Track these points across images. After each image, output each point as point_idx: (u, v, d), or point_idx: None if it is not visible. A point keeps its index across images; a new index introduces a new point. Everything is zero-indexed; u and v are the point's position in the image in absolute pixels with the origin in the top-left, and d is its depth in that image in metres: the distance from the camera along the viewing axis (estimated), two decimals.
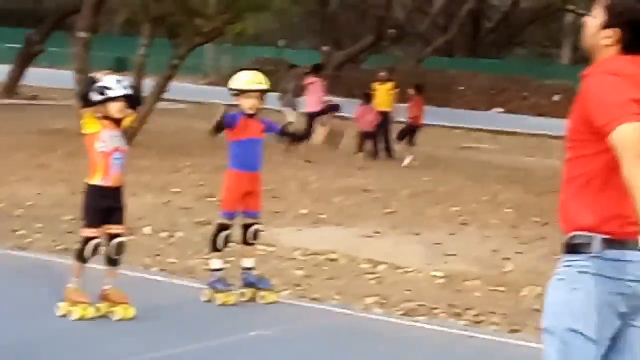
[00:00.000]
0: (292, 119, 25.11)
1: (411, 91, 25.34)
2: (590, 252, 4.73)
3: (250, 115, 9.68)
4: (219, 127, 9.94)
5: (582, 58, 5.15)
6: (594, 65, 4.88)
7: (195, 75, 53.88)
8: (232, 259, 10.08)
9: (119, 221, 8.75)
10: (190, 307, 9.50)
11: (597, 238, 4.73)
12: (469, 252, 12.92)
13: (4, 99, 33.61)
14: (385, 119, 25.12)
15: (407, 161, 23.07)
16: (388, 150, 25.24)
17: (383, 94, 25.65)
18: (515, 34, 68.32)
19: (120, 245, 8.65)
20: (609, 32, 4.81)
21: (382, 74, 27.20)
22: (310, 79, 25.73)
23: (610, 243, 4.73)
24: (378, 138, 25.06)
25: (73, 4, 34.54)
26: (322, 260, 11.88)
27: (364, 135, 24.63)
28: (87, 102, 8.85)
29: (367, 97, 25.69)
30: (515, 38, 69.72)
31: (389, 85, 26.21)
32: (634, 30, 4.84)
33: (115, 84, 8.77)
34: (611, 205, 4.72)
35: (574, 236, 4.82)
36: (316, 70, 26.70)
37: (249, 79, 9.75)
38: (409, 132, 24.63)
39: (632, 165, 4.51)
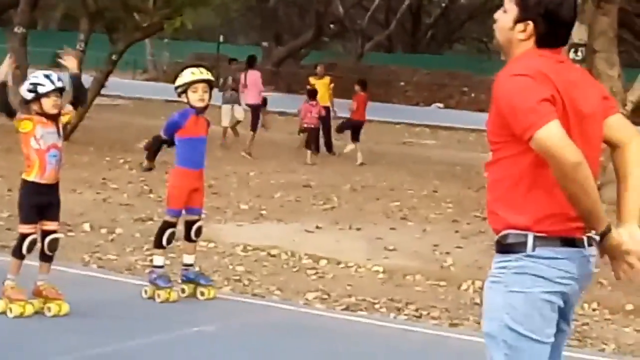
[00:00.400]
0: (226, 122, 24.89)
1: (357, 87, 25.13)
2: (525, 252, 4.81)
3: (200, 111, 9.64)
4: (155, 151, 9.98)
5: None
6: (508, 64, 4.90)
7: (134, 71, 53.68)
8: (174, 255, 10.07)
9: (54, 217, 8.75)
10: (131, 303, 9.46)
11: (531, 236, 4.76)
12: (409, 246, 12.97)
13: None
14: (325, 114, 24.87)
15: (359, 159, 22.75)
16: (328, 145, 25.05)
17: (321, 88, 25.32)
18: (454, 30, 68.76)
19: (54, 242, 8.65)
20: (523, 26, 4.81)
21: (320, 68, 27.09)
22: (249, 72, 25.55)
23: (544, 241, 4.77)
24: (319, 134, 24.88)
25: None
26: (263, 256, 11.91)
27: (310, 132, 24.29)
28: (9, 111, 8.91)
29: (311, 94, 25.09)
30: (454, 34, 70.18)
31: (327, 79, 26.08)
32: (549, 23, 4.82)
33: (44, 79, 8.79)
34: (542, 204, 4.75)
35: (506, 235, 4.82)
36: (250, 63, 26.37)
37: (194, 71, 9.69)
38: (353, 128, 24.41)
39: (561, 173, 4.55)
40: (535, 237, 4.72)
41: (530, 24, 4.76)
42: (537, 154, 4.60)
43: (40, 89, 8.63)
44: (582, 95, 4.80)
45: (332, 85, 26.12)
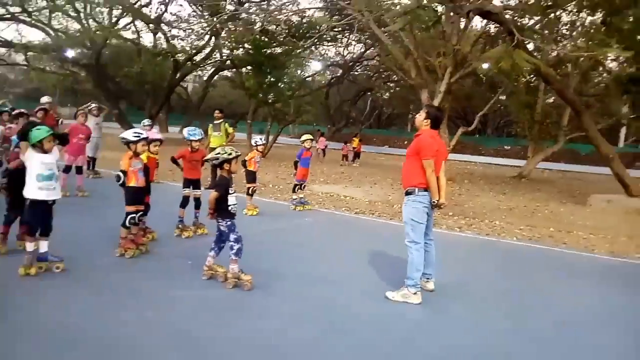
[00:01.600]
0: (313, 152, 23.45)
1: (357, 139, 24.00)
2: (415, 194, 4.88)
3: (308, 149, 9.45)
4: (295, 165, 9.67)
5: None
6: (421, 131, 5.05)
7: (286, 134, 53.08)
8: (302, 195, 9.84)
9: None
10: (283, 212, 9.27)
11: (416, 189, 4.87)
12: (377, 193, 12.59)
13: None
14: (354, 149, 23.32)
15: (356, 164, 22.14)
16: (353, 160, 23.15)
17: (355, 142, 23.66)
18: (393, 121, 64.55)
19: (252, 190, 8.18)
20: (427, 121, 4.99)
21: (356, 136, 24.61)
22: (321, 138, 24.56)
23: (421, 190, 4.86)
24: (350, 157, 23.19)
25: (246, 111, 33.39)
26: (327, 195, 11.69)
27: (345, 156, 23.24)
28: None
29: (347, 142, 24.05)
30: (393, 121, 66.09)
31: (357, 139, 24.02)
32: (434, 120, 4.95)
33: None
34: (421, 178, 4.83)
35: (409, 189, 4.95)
36: (322, 134, 25.59)
37: (307, 135, 9.54)
38: (356, 155, 23.08)
39: (429, 173, 4.76)
40: (418, 189, 4.83)
41: (429, 120, 4.91)
42: (421, 163, 4.79)
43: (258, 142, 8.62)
44: (441, 150, 4.94)
45: (359, 140, 24.31)
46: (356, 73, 39.95)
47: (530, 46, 14.76)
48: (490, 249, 7.51)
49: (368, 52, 32.67)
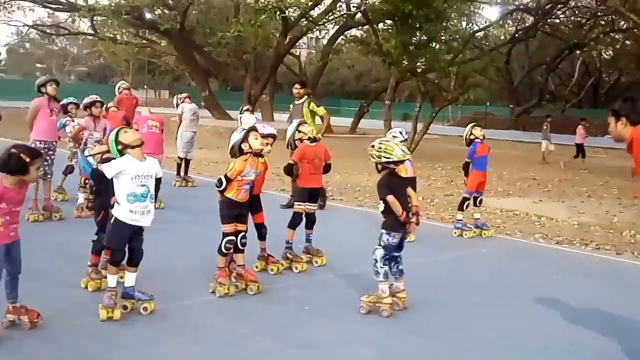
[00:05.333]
0: (544, 148, 22.76)
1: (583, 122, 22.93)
2: None
3: (482, 141, 9.26)
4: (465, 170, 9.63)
5: None
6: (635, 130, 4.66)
7: (443, 121, 53.14)
8: (477, 214, 9.75)
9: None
10: (447, 239, 9.31)
11: None
12: (591, 211, 12.22)
13: (350, 134, 33.97)
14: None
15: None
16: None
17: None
18: (619, 96, 62.88)
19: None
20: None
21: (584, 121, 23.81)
22: (579, 127, 22.84)
23: None
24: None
25: (383, 87, 34.66)
26: (510, 215, 11.57)
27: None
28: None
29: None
30: (618, 97, 64.09)
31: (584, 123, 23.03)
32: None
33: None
34: None
35: None
36: (581, 120, 24.34)
37: (475, 125, 9.51)
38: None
39: None
40: None
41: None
42: None
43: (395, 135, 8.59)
44: None
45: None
46: (557, 21, 38.06)
47: None
48: None
49: None
